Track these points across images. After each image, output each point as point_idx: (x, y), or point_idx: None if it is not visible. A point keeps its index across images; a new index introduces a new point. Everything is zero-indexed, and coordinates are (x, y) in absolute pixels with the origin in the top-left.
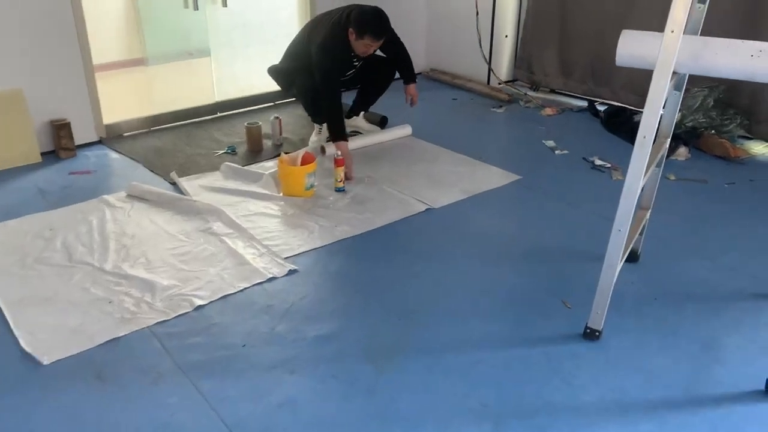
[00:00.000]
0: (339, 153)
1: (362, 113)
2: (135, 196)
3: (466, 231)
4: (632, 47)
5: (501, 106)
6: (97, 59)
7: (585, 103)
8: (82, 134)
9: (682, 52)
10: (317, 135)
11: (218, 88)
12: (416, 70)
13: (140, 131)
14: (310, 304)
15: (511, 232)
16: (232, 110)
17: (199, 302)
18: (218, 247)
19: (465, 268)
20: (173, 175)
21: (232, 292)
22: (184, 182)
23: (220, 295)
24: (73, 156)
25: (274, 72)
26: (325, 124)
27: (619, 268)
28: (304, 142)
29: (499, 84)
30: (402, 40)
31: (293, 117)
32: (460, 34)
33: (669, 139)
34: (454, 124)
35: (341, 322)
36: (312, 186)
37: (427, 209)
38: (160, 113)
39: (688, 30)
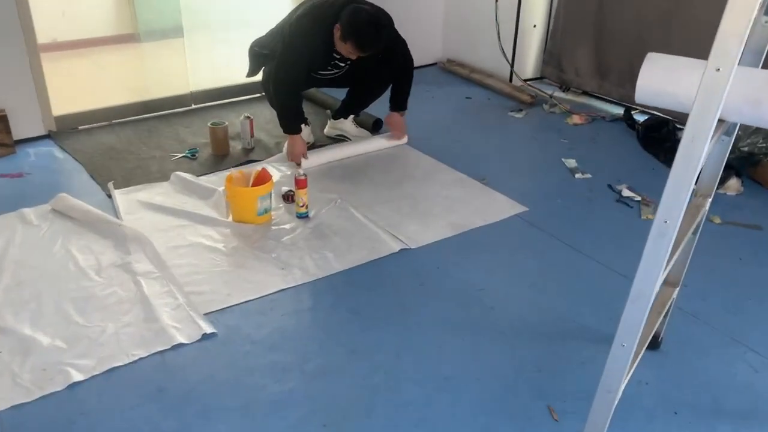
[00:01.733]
0: (301, 172)
1: (351, 116)
2: (59, 212)
3: (443, 284)
4: (659, 79)
5: (521, 110)
6: (85, 34)
7: (621, 111)
8: (26, 127)
9: (735, 95)
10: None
11: (193, 77)
12: (431, 60)
13: (99, 124)
14: (214, 390)
15: (499, 289)
16: (209, 102)
17: (77, 377)
18: (129, 292)
19: (430, 341)
20: (110, 186)
21: (123, 363)
22: (121, 196)
23: (106, 368)
24: (10, 153)
25: (250, 49)
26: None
27: (621, 391)
28: (279, 147)
29: (522, 83)
30: (418, 24)
31: (272, 115)
32: (481, 21)
33: (711, 198)
34: (461, 130)
35: (246, 423)
36: (267, 211)
37: (401, 249)
38: (126, 103)
39: (746, 60)
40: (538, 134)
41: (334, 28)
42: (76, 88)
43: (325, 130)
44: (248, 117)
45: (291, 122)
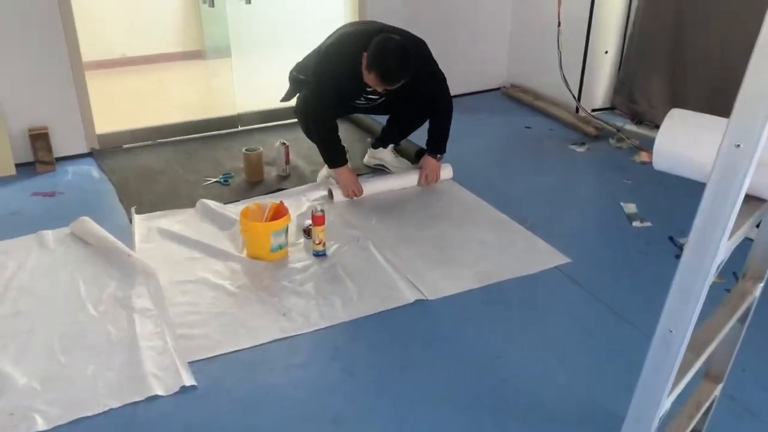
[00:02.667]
0: (319, 208)
1: (391, 146)
2: (77, 236)
3: (455, 346)
4: (680, 143)
5: (584, 144)
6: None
7: None
8: (69, 145)
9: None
10: (329, 169)
11: (240, 98)
12: (495, 84)
13: (142, 143)
14: None
15: (517, 358)
16: (256, 124)
17: (41, 425)
18: (121, 331)
19: (425, 416)
20: (132, 211)
21: (92, 413)
22: (141, 222)
23: (74, 417)
24: (51, 171)
25: (290, 73)
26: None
27: None
28: (315, 175)
29: (587, 114)
30: (482, 46)
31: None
32: (548, 45)
33: (763, 282)
34: (513, 163)
35: None
36: (281, 247)
37: (417, 300)
38: (173, 123)
39: None
40: (599, 172)
41: (362, 57)
42: (124, 106)
43: (365, 159)
44: (284, 143)
45: (333, 154)
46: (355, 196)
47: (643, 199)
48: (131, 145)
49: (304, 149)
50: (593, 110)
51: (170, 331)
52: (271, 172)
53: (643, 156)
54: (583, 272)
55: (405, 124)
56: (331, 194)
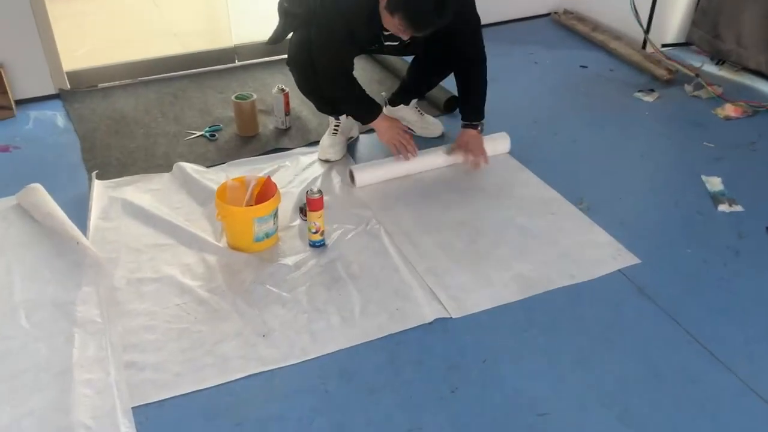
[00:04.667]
0: (315, 189)
1: (414, 101)
2: (25, 209)
3: (485, 394)
4: None
5: (652, 91)
6: None
7: None
8: (32, 85)
9: None
10: (332, 135)
11: (237, 26)
12: (543, 9)
13: (121, 82)
14: None
15: (567, 414)
16: (256, 59)
17: None
18: (55, 353)
19: None
20: (93, 176)
21: None
22: (102, 191)
23: None
24: (9, 117)
25: (280, 4)
26: (342, 116)
27: None
28: (321, 129)
29: (656, 51)
30: None
31: None
32: None
33: None
34: (564, 117)
35: None
36: (268, 235)
37: (437, 320)
38: (157, 57)
39: None
40: (673, 131)
41: None
42: (100, 37)
43: None
44: (283, 89)
45: (361, 106)
46: (406, 149)
47: (731, 170)
48: (108, 84)
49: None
50: (663, 45)
51: (116, 358)
52: (267, 125)
53: (729, 109)
54: (656, 280)
55: (433, 72)
56: (352, 177)
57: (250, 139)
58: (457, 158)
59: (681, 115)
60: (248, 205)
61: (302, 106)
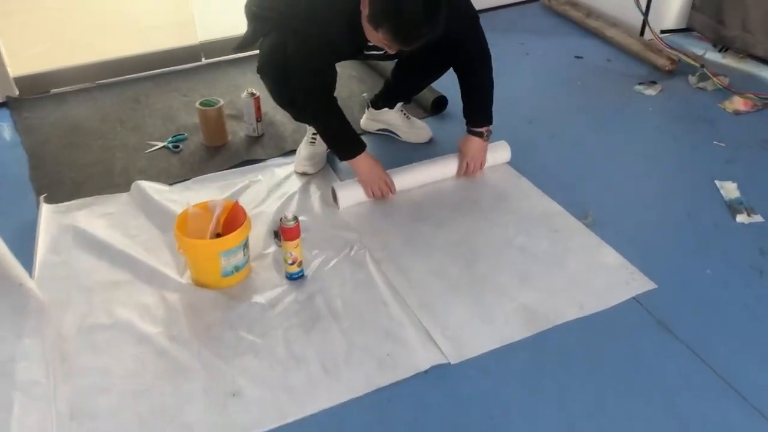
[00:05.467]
0: (290, 217)
1: (400, 104)
2: None
3: None
4: None
5: (654, 83)
6: None
7: None
8: None
9: None
10: (310, 144)
11: (203, 21)
12: None
13: (76, 87)
14: None
15: None
16: (225, 56)
17: None
18: None
19: None
20: (41, 200)
21: None
22: (53, 216)
23: None
24: None
25: (247, 6)
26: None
27: None
28: (298, 136)
29: (656, 38)
30: None
31: None
32: None
33: None
34: (561, 115)
35: None
36: (238, 269)
37: (433, 368)
38: (116, 58)
39: None
40: (680, 128)
41: (360, 2)
42: (52, 36)
43: (362, 122)
44: (253, 93)
45: (343, 139)
46: (383, 195)
47: (745, 173)
48: (61, 89)
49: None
50: (662, 32)
51: (63, 429)
52: (237, 132)
53: (738, 103)
54: (675, 309)
55: (423, 74)
56: (335, 197)
57: (218, 149)
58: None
59: (687, 111)
60: (214, 235)
61: (276, 111)
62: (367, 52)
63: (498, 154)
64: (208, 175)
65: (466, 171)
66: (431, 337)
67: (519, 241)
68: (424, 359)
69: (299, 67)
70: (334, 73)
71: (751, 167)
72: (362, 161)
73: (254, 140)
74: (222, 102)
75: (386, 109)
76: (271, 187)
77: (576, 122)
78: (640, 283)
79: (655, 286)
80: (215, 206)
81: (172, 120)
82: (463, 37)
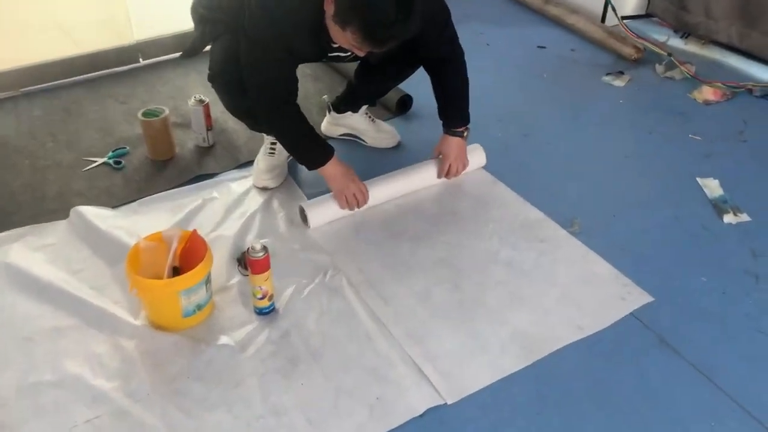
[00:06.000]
0: (258, 248)
1: (364, 107)
2: None
3: None
4: None
5: (622, 73)
6: None
7: None
8: None
9: None
10: (269, 155)
11: (138, 17)
12: None
13: (4, 95)
14: None
15: None
16: (165, 55)
17: None
18: None
19: None
20: None
21: None
22: None
23: None
24: None
25: (193, 8)
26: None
27: None
28: (254, 144)
29: (620, 22)
30: None
31: None
32: None
33: None
34: (530, 111)
35: None
36: (200, 307)
37: (429, 410)
38: (42, 62)
39: None
40: (653, 122)
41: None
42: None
43: (323, 126)
44: (201, 100)
45: (309, 148)
46: (358, 206)
47: (725, 167)
48: None
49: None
50: (622, 18)
51: None
52: (186, 142)
53: (707, 92)
54: (676, 323)
55: (389, 75)
56: (304, 216)
57: (165, 163)
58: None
59: (658, 102)
60: (171, 271)
61: (227, 117)
62: (331, 54)
63: (473, 159)
64: (157, 194)
65: (448, 173)
66: (423, 374)
67: (504, 255)
68: (418, 401)
69: (257, 77)
70: (296, 80)
71: (730, 161)
72: (332, 168)
73: (205, 151)
74: (167, 111)
75: (350, 112)
76: (229, 206)
77: (547, 119)
78: (636, 297)
79: (653, 299)
80: (171, 238)
81: (110, 131)
82: (436, 34)
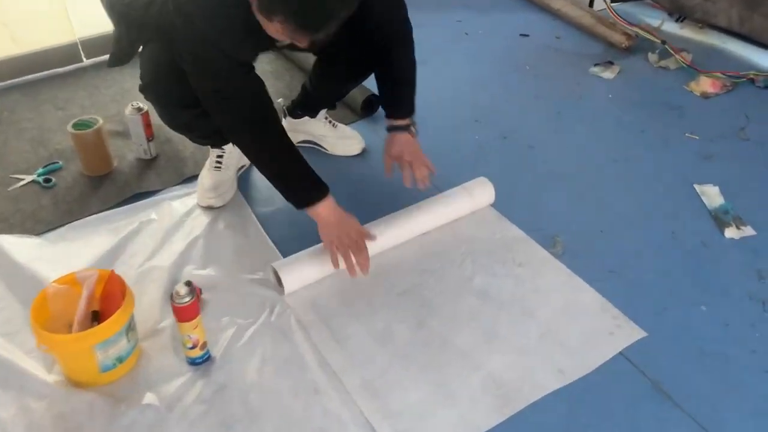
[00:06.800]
0: (183, 293)
1: (323, 111)
2: None
3: None
4: None
5: (611, 63)
6: None
7: None
8: None
9: None
10: (214, 170)
11: (79, 14)
12: None
13: None
14: None
15: None
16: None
17: None
18: None
19: None
20: None
21: None
22: None
23: None
24: None
25: (106, 2)
26: (228, 145)
27: None
28: (202, 155)
29: (607, 6)
30: None
31: None
32: None
33: None
34: (511, 112)
35: None
36: (121, 360)
37: None
38: None
39: None
40: (646, 119)
41: None
42: None
43: None
44: (139, 108)
45: (296, 180)
46: (361, 269)
47: (726, 172)
48: None
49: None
50: (612, 1)
51: None
52: (126, 155)
53: (705, 83)
54: (672, 366)
55: (346, 75)
56: (279, 280)
57: (101, 180)
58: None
59: (651, 96)
60: (87, 319)
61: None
62: (279, 44)
63: (478, 196)
64: (88, 218)
65: (420, 179)
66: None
67: (478, 282)
68: None
69: (209, 101)
70: (259, 84)
71: (730, 164)
72: (326, 211)
73: (147, 164)
74: (101, 122)
75: (307, 117)
76: (168, 230)
77: (529, 118)
78: (626, 332)
79: (645, 335)
80: (85, 279)
81: (43, 143)
82: (386, 11)
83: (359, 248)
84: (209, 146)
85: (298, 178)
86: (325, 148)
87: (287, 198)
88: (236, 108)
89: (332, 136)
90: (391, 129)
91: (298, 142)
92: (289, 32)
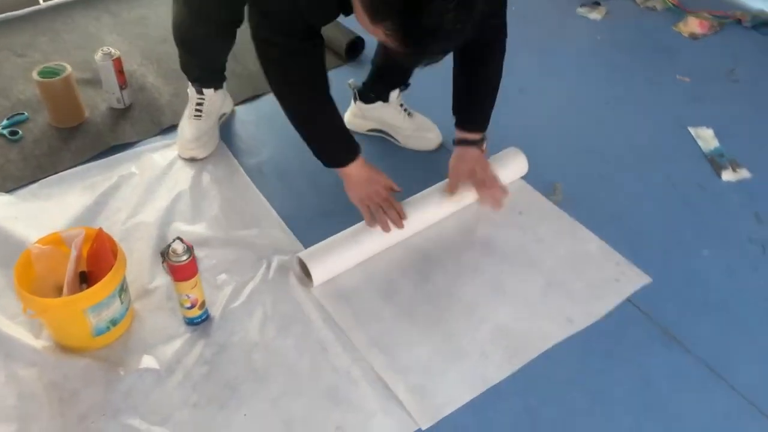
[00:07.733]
0: (180, 251)
1: (397, 91)
2: None
3: None
4: None
5: (598, 4)
6: None
7: None
8: None
9: None
10: (195, 119)
11: None
12: None
13: None
14: None
15: None
16: None
17: None
18: None
19: None
20: None
21: None
22: None
23: None
24: None
25: None
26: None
27: None
28: (180, 104)
29: None
30: None
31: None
32: None
33: None
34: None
35: None
36: (115, 322)
37: None
38: None
39: None
40: (636, 61)
41: None
42: None
43: (347, 120)
44: (110, 53)
45: (331, 145)
46: (394, 224)
47: (718, 113)
48: None
49: (157, 49)
50: None
51: None
52: (98, 104)
53: (693, 24)
54: (679, 311)
55: None
56: (306, 271)
57: (72, 132)
58: (464, 199)
59: (639, 38)
60: (75, 281)
61: (146, 70)
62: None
63: (511, 169)
64: (62, 173)
65: (494, 202)
66: (391, 392)
67: (481, 233)
68: (386, 429)
69: (269, 61)
70: (320, 55)
71: (722, 106)
72: (357, 170)
73: (120, 114)
74: (69, 69)
75: (380, 102)
76: (150, 184)
77: (517, 62)
78: (632, 278)
79: (650, 281)
80: (72, 238)
81: (4, 93)
82: (485, 9)
83: (390, 204)
84: (191, 87)
85: (335, 141)
86: (397, 140)
87: (317, 156)
88: (296, 66)
89: (407, 128)
90: (461, 142)
91: (367, 131)
92: (390, 41)
